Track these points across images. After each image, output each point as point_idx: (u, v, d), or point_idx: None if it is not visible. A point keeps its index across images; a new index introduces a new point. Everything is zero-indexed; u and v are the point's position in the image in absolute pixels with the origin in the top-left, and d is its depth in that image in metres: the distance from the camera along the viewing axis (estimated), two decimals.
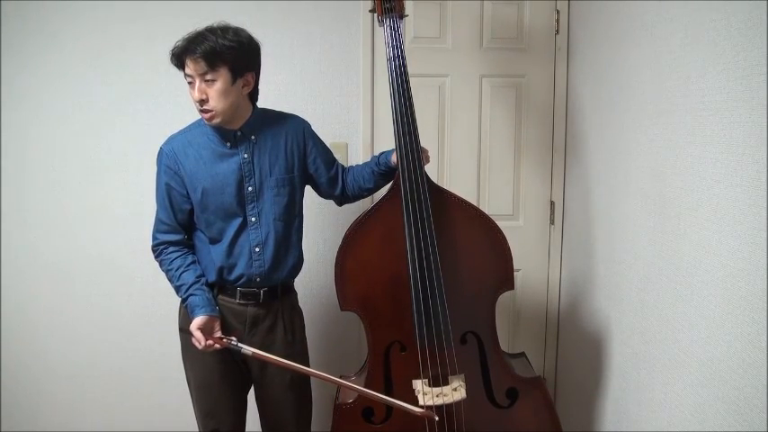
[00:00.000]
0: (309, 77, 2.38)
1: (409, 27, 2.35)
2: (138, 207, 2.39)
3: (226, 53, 1.62)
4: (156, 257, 1.83)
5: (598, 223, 2.13)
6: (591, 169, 2.20)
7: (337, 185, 1.92)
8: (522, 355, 2.07)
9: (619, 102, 1.93)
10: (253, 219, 1.77)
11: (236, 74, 1.65)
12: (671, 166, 1.59)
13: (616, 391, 1.97)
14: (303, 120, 1.89)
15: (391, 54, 1.75)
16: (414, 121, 1.74)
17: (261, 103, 1.83)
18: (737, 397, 1.32)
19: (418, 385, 1.78)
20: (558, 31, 2.39)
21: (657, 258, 1.67)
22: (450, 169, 2.44)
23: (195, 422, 2.17)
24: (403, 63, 1.74)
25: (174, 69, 2.39)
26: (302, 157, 1.84)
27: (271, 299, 1.81)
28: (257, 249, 1.77)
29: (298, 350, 1.88)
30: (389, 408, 1.81)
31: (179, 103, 2.36)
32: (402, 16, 1.80)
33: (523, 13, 2.40)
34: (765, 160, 1.22)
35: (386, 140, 2.35)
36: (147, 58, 2.32)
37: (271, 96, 1.94)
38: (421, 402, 1.75)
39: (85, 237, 2.40)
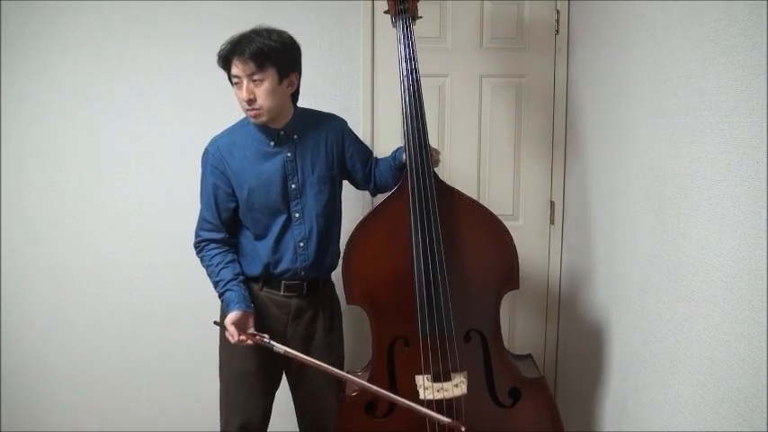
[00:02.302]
0: (309, 77, 2.36)
1: None
2: (138, 207, 2.40)
3: (273, 54, 1.69)
4: (197, 254, 1.89)
5: (598, 223, 2.13)
6: (591, 169, 2.20)
7: (371, 180, 2.00)
8: (529, 357, 2.07)
9: (619, 102, 1.93)
10: (297, 215, 1.83)
11: (282, 74, 1.73)
12: (671, 166, 1.59)
13: (616, 391, 1.97)
14: (341, 119, 1.97)
15: (403, 54, 1.78)
16: (424, 119, 1.77)
17: None
18: (737, 397, 1.32)
19: (420, 380, 1.79)
20: (558, 32, 2.39)
21: (657, 258, 1.67)
22: (451, 169, 2.44)
23: (195, 422, 2.17)
24: (415, 65, 1.77)
25: (175, 70, 2.40)
26: (341, 155, 1.91)
27: (313, 291, 1.88)
28: (301, 244, 1.84)
29: (336, 336, 1.97)
30: (392, 402, 1.82)
31: (179, 103, 2.37)
32: (415, 18, 1.82)
33: (523, 13, 2.40)
34: (765, 160, 1.22)
35: (386, 140, 2.36)
36: (147, 59, 2.32)
37: None
38: (421, 396, 1.77)
39: (85, 236, 2.40)
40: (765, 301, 1.22)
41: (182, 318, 2.44)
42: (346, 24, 2.36)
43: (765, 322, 1.22)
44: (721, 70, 1.36)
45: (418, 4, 1.83)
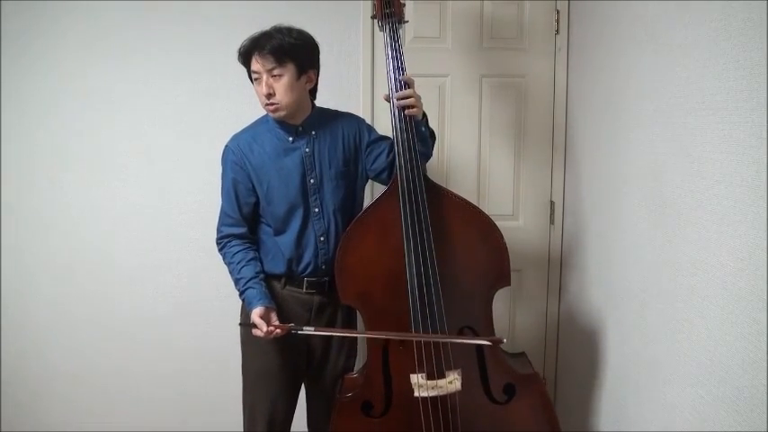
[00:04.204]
0: None
1: (409, 27, 2.34)
2: (138, 207, 2.40)
3: (292, 50, 1.75)
4: (219, 250, 1.91)
5: (598, 223, 2.13)
6: (591, 169, 2.20)
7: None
8: (523, 354, 2.08)
9: (619, 102, 1.93)
10: (316, 209, 1.87)
11: (300, 70, 1.78)
12: (671, 166, 1.59)
13: (616, 392, 1.97)
14: (359, 117, 2.03)
15: (390, 55, 1.81)
16: (410, 120, 1.78)
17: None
18: (737, 397, 1.32)
19: (415, 379, 1.80)
20: (558, 31, 2.39)
21: (657, 258, 1.67)
22: (451, 169, 2.44)
23: (195, 422, 2.16)
24: (402, 64, 1.80)
25: (175, 70, 2.40)
26: (358, 152, 1.93)
27: (332, 288, 1.88)
28: (322, 239, 1.87)
29: (353, 329, 2.02)
30: (388, 401, 1.84)
31: (178, 103, 2.37)
32: (401, 21, 1.86)
33: (523, 12, 2.40)
34: (765, 160, 1.22)
35: None
36: (147, 59, 2.32)
37: None
38: (416, 394, 1.79)
39: (86, 237, 2.40)
40: (765, 300, 1.22)
41: (182, 317, 2.44)
42: (346, 25, 2.35)
43: (765, 322, 1.22)
44: (721, 70, 1.36)
45: (405, 8, 1.88)
